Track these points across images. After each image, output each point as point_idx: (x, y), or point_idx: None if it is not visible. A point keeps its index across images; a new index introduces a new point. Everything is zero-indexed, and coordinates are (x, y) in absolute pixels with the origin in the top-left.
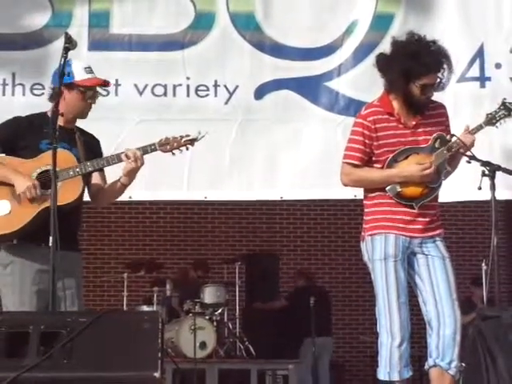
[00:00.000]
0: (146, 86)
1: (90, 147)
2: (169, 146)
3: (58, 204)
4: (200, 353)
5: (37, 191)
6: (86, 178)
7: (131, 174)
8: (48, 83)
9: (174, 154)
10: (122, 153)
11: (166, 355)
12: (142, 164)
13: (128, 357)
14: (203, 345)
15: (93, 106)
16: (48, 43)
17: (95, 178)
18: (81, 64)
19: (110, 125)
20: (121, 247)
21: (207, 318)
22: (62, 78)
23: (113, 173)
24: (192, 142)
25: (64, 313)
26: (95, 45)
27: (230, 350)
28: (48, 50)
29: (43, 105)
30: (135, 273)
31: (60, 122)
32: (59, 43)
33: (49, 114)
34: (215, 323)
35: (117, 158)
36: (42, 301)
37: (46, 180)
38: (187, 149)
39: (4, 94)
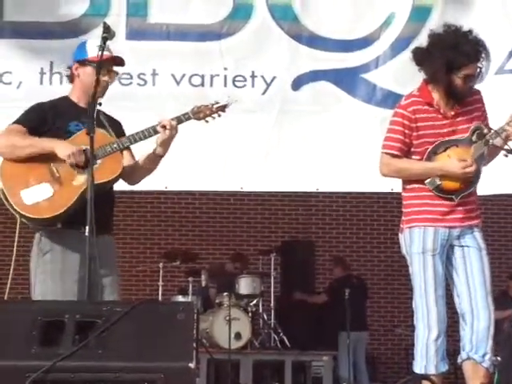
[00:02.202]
0: (183, 76)
1: (114, 128)
2: (202, 113)
3: (100, 182)
4: (235, 343)
5: (81, 157)
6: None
7: (166, 144)
8: None
9: (207, 121)
10: (156, 124)
11: (201, 346)
12: (177, 133)
13: (163, 347)
14: (238, 336)
15: (124, 91)
16: (86, 32)
17: (126, 157)
18: (96, 42)
19: (146, 114)
20: (156, 237)
21: (242, 308)
22: (100, 69)
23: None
24: (223, 108)
25: (99, 302)
26: (133, 34)
27: (264, 341)
28: (86, 39)
29: None
30: (171, 263)
31: (82, 104)
32: (97, 32)
33: (70, 96)
34: (250, 314)
35: (153, 130)
36: (83, 289)
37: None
38: (219, 115)
39: (42, 83)
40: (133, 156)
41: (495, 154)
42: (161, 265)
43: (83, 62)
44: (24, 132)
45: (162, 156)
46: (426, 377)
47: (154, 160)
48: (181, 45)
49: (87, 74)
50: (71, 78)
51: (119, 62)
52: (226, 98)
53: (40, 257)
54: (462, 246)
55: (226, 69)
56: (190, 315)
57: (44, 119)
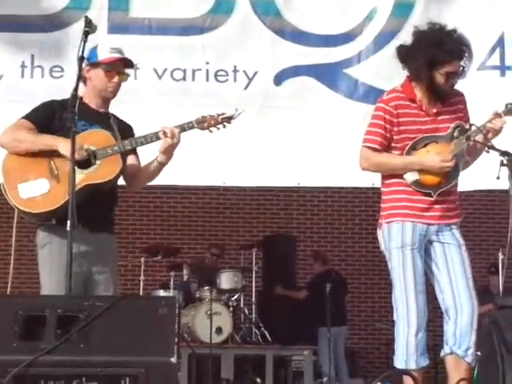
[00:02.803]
0: (165, 71)
1: (124, 131)
2: (206, 123)
3: (97, 182)
4: (216, 338)
5: (83, 153)
6: (123, 159)
7: (167, 152)
8: (67, 66)
9: (211, 131)
10: (159, 130)
11: (182, 340)
12: (179, 142)
13: (144, 342)
14: (219, 330)
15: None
16: (67, 26)
17: (130, 161)
18: (107, 45)
19: (128, 108)
20: (138, 231)
21: (223, 303)
22: (82, 62)
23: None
24: (229, 119)
25: (81, 297)
26: (115, 28)
27: (245, 336)
28: (67, 33)
29: (62, 87)
30: (152, 257)
31: (93, 105)
32: (79, 26)
33: (83, 98)
34: (231, 309)
35: (155, 136)
36: (79, 283)
37: (84, 159)
38: (224, 126)
39: (23, 76)
40: (138, 161)
41: (477, 154)
42: (142, 259)
43: (94, 65)
44: (31, 128)
45: (164, 164)
46: (406, 372)
47: (156, 168)
48: (163, 39)
49: (98, 76)
50: (84, 81)
51: (129, 64)
52: (232, 110)
53: (40, 251)
54: (442, 243)
55: (208, 63)
56: (171, 310)
57: (52, 117)
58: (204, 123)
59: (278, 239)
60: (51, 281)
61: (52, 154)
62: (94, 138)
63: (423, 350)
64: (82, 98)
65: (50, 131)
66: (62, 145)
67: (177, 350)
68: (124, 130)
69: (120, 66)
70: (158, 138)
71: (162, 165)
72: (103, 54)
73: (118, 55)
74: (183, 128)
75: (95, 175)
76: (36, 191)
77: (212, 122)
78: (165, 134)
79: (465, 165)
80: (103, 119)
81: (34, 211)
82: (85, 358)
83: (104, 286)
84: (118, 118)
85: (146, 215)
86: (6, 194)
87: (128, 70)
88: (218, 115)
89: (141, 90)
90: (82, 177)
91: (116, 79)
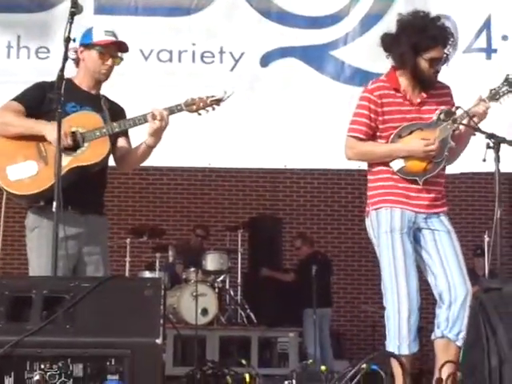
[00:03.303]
0: (151, 52)
1: (115, 113)
2: (195, 106)
3: (84, 164)
4: (201, 319)
5: (68, 140)
6: (112, 141)
7: (156, 134)
8: (53, 47)
9: (200, 114)
10: (148, 113)
11: (168, 321)
12: (167, 124)
13: (130, 323)
14: (205, 311)
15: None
16: (53, 6)
17: (121, 143)
18: (102, 27)
19: (114, 90)
20: (123, 213)
21: (209, 284)
22: (68, 43)
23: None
24: (218, 101)
25: (67, 278)
26: (101, 9)
27: (231, 317)
28: (53, 13)
29: (48, 68)
30: (138, 238)
31: (84, 87)
32: (64, 6)
33: (74, 79)
34: (217, 290)
35: (143, 119)
36: (68, 266)
37: (74, 141)
38: (213, 109)
39: (9, 57)
40: (129, 143)
41: (464, 142)
42: (128, 240)
43: (88, 46)
44: (20, 110)
45: (152, 147)
46: (393, 355)
47: (144, 150)
48: (149, 20)
49: (92, 57)
50: (76, 62)
51: (123, 47)
52: (221, 92)
53: (29, 233)
54: (431, 230)
55: (194, 44)
56: (157, 291)
57: (42, 99)
58: (193, 105)
59: (264, 221)
60: (40, 264)
61: (41, 136)
62: (82, 120)
63: (415, 334)
64: (71, 80)
65: (39, 113)
66: (49, 130)
67: (162, 332)
68: (115, 112)
69: (114, 49)
70: (147, 121)
71: (150, 147)
72: (98, 36)
73: (112, 38)
74: (172, 110)
75: (83, 157)
76: (24, 173)
77: (201, 105)
78: (153, 116)
79: (452, 155)
80: (94, 101)
81: (21, 193)
82: (70, 339)
83: (94, 267)
84: (109, 100)
85: (131, 196)
86: None
87: (121, 54)
88: (207, 97)
89: (127, 72)
90: (69, 159)
91: (110, 62)
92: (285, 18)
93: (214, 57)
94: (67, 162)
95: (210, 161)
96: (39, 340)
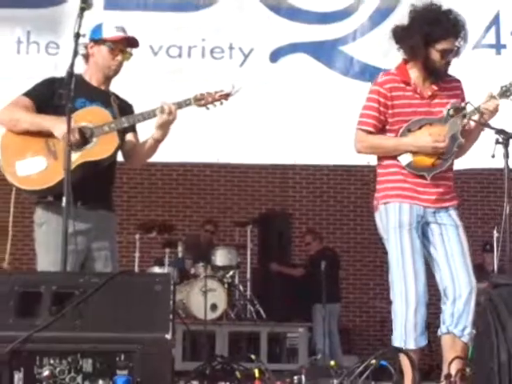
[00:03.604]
0: (160, 47)
1: (124, 109)
2: (204, 100)
3: (93, 159)
4: (210, 314)
5: (76, 135)
6: (121, 137)
7: (163, 128)
8: (63, 42)
9: (208, 108)
10: (156, 108)
11: (177, 317)
12: (175, 118)
13: (139, 318)
14: (214, 307)
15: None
16: (63, 1)
17: (129, 138)
18: (113, 23)
19: (124, 85)
20: (133, 208)
21: (218, 280)
22: (78, 38)
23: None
24: (226, 96)
25: (76, 273)
26: (110, 4)
27: (240, 313)
28: (63, 9)
29: (58, 64)
30: (147, 234)
31: (94, 82)
32: (74, 1)
33: (83, 74)
34: (226, 285)
35: (152, 113)
36: (77, 261)
37: (82, 137)
38: (221, 103)
39: (19, 52)
40: (137, 138)
41: (473, 139)
42: (137, 236)
43: (98, 42)
44: (30, 106)
45: (159, 140)
46: (402, 350)
47: (151, 145)
48: (158, 15)
49: (101, 53)
50: (86, 57)
51: (133, 42)
52: (229, 87)
53: (37, 228)
54: (439, 224)
55: (203, 40)
56: (166, 287)
57: (52, 94)
58: (201, 100)
59: (274, 216)
60: (48, 260)
61: (49, 132)
62: (91, 116)
63: (422, 329)
64: (81, 75)
65: (49, 108)
66: (57, 128)
67: (171, 327)
68: (124, 108)
69: (124, 45)
70: (156, 115)
71: (157, 141)
72: (108, 32)
73: (122, 34)
74: (180, 105)
75: (91, 153)
76: (33, 169)
77: (209, 99)
78: (162, 110)
79: (460, 150)
80: (103, 96)
81: (30, 188)
82: (80, 334)
83: (103, 263)
84: (118, 97)
85: (141, 192)
86: (4, 171)
87: (131, 49)
88: (216, 92)
89: (136, 67)
90: (78, 154)
91: (119, 57)
92: (294, 14)
93: (223, 52)
94: (76, 157)
95: (218, 156)
96: (48, 335)
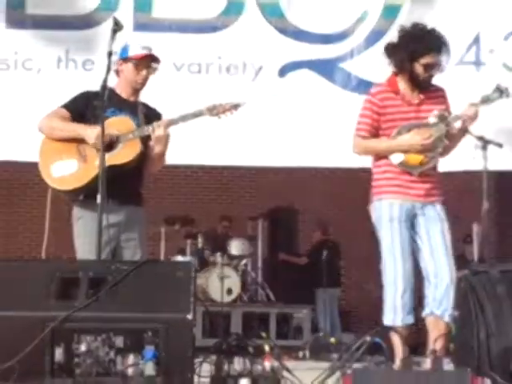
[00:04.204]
0: (182, 65)
1: (151, 118)
2: (215, 110)
3: (117, 163)
4: (226, 298)
5: (105, 140)
6: (144, 143)
7: (159, 142)
8: (97, 60)
9: (219, 117)
10: (151, 125)
11: (197, 299)
12: (169, 135)
13: (164, 300)
14: (229, 291)
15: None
16: (98, 25)
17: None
18: (138, 43)
19: (151, 97)
20: (159, 205)
21: (233, 267)
22: (110, 56)
23: None
24: (236, 107)
25: (109, 261)
26: (139, 27)
27: (252, 296)
28: (98, 31)
29: (93, 79)
30: (171, 227)
31: (124, 95)
32: (108, 25)
33: (115, 87)
34: (240, 272)
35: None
36: (109, 250)
37: (110, 142)
38: (231, 113)
39: (59, 68)
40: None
41: (456, 141)
42: (162, 229)
43: (125, 60)
44: (66, 116)
45: (160, 154)
46: (392, 328)
47: (154, 158)
48: (181, 36)
49: (128, 69)
50: (117, 73)
51: (155, 58)
52: (238, 99)
53: (75, 223)
54: (425, 217)
55: (220, 58)
56: (188, 273)
57: (86, 106)
58: (213, 110)
59: (282, 211)
60: (84, 250)
61: (81, 138)
62: (118, 124)
63: (410, 309)
64: (113, 89)
65: (84, 118)
66: (88, 133)
67: (193, 308)
68: (151, 117)
69: (148, 61)
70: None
71: (158, 154)
72: (134, 51)
73: (145, 52)
74: (194, 115)
75: (116, 157)
76: (66, 170)
77: (221, 109)
78: (153, 129)
79: (445, 151)
80: (131, 107)
81: (63, 188)
82: (112, 314)
83: (132, 252)
84: (147, 107)
85: (167, 190)
86: (41, 172)
87: (155, 65)
88: (227, 103)
89: (162, 82)
90: (106, 158)
91: (144, 72)
92: (299, 35)
93: (237, 69)
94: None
95: (233, 160)
96: (85, 315)
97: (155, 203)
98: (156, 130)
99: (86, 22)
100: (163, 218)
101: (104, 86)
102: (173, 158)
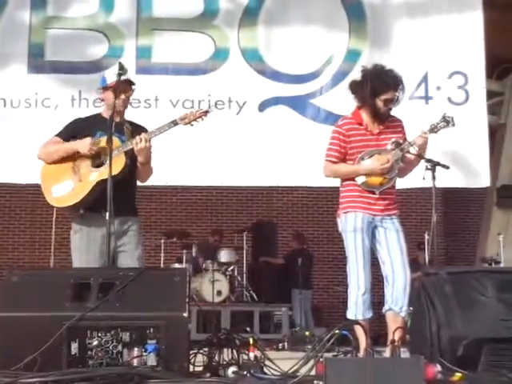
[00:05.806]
0: (178, 101)
1: (136, 133)
2: (187, 119)
3: (106, 177)
4: (217, 298)
5: (94, 147)
6: (130, 157)
7: (141, 154)
8: None
9: (192, 125)
10: (135, 139)
11: (192, 300)
12: (151, 146)
13: (164, 301)
14: (219, 293)
15: (134, 112)
16: (106, 69)
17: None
18: (113, 71)
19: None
20: (159, 220)
21: (222, 272)
22: (117, 95)
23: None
24: (205, 113)
25: (117, 268)
26: (141, 70)
27: (239, 297)
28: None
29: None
30: (169, 239)
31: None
32: (114, 69)
33: (102, 113)
34: (228, 277)
35: (134, 142)
36: (108, 257)
37: (99, 159)
38: (202, 119)
39: (73, 106)
40: None
41: (412, 165)
42: (162, 241)
43: (105, 88)
44: (59, 141)
45: (143, 163)
46: (356, 322)
47: (140, 168)
48: (176, 78)
49: (108, 96)
50: (101, 100)
51: (131, 82)
52: (206, 106)
53: (72, 235)
54: (384, 228)
55: (209, 95)
56: (183, 278)
57: (76, 130)
58: (185, 119)
59: (263, 225)
60: (80, 260)
61: (73, 157)
62: (106, 143)
63: (369, 305)
64: (100, 114)
65: (75, 139)
66: (80, 145)
67: (188, 308)
68: (135, 133)
69: (125, 86)
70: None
71: (142, 164)
72: (110, 79)
73: (118, 78)
74: (170, 126)
75: (105, 172)
76: (64, 190)
77: (191, 117)
78: (136, 142)
79: (402, 173)
80: (117, 127)
81: (63, 205)
82: (120, 313)
83: (129, 253)
84: (133, 124)
85: (165, 208)
86: (44, 195)
87: (132, 87)
88: (196, 111)
89: (160, 116)
90: (96, 174)
91: (123, 96)
92: (276, 76)
93: (224, 104)
94: (95, 177)
95: (222, 180)
96: (96, 315)
97: (156, 220)
98: (138, 144)
99: (96, 67)
100: (162, 232)
101: (111, 121)
102: (170, 180)
